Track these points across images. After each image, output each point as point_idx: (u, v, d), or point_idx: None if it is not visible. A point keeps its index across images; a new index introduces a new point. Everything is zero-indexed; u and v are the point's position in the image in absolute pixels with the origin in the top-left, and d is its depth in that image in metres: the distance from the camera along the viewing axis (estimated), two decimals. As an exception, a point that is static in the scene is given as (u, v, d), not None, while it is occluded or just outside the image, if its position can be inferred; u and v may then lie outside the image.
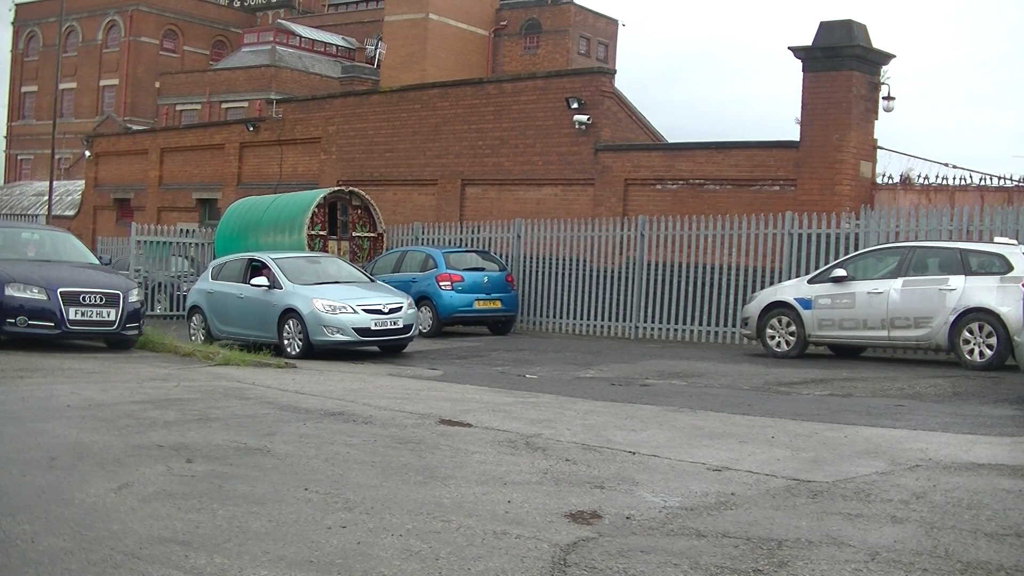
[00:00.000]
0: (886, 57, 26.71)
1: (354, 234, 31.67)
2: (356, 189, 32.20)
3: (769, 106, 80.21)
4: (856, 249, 22.84)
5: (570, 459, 9.85)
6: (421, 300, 26.96)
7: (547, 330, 29.04)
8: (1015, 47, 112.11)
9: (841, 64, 25.92)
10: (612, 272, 28.07)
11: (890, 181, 26.53)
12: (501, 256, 29.78)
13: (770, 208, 26.05)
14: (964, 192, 25.33)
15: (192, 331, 24.47)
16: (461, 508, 7.75)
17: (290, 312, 21.50)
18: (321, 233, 30.68)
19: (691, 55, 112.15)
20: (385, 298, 21.86)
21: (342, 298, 21.34)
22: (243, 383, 15.61)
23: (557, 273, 29.21)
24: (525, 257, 29.90)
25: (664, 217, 27.42)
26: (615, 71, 38.08)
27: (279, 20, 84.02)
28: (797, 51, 26.56)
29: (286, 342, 21.51)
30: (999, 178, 25.74)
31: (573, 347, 24.27)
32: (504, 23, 66.18)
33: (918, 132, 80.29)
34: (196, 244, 34.69)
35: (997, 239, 19.90)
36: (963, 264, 18.83)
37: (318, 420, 12.00)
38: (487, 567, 6.28)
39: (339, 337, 20.98)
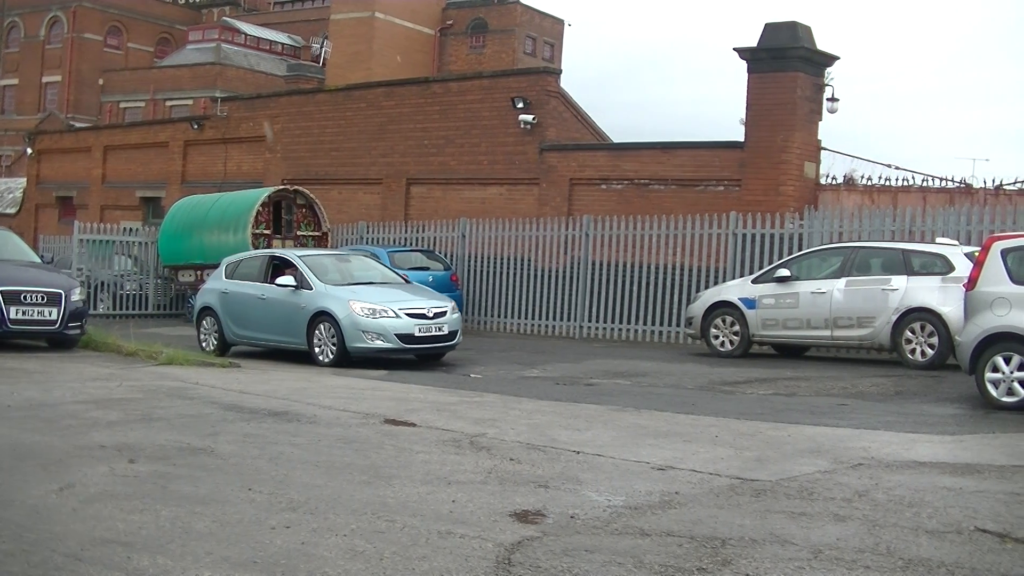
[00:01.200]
0: (830, 59, 26.86)
1: (299, 233, 31.51)
2: (301, 188, 32.06)
3: (719, 106, 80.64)
4: (800, 249, 22.94)
5: (515, 458, 9.84)
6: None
7: (492, 330, 29.02)
8: (959, 51, 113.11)
9: (786, 65, 26.04)
10: (557, 272, 28.09)
11: (834, 182, 26.69)
12: (446, 256, 29.75)
13: (715, 208, 26.12)
14: (907, 193, 25.52)
15: (203, 335, 22.33)
16: (406, 508, 7.73)
17: (322, 315, 19.62)
18: (266, 232, 30.51)
19: (641, 55, 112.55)
20: (428, 301, 20.21)
21: (382, 300, 19.63)
22: (187, 383, 15.51)
23: (502, 273, 29.19)
24: (470, 257, 29.87)
25: (609, 217, 27.45)
26: (561, 71, 38.11)
27: (225, 18, 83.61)
28: (742, 52, 26.66)
29: (317, 349, 19.70)
30: (941, 179, 25.96)
31: (518, 346, 24.26)
32: (450, 22, 66.12)
33: (862, 134, 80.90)
34: (140, 243, 34.39)
35: (939, 240, 20.06)
36: (905, 264, 18.96)
37: (262, 420, 11.95)
38: (431, 567, 6.26)
39: (379, 344, 19.22)
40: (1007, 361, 13.80)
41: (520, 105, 31.46)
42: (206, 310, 22.38)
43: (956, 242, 19.88)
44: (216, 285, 22.50)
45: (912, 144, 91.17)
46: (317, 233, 31.68)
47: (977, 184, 25.25)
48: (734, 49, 26.74)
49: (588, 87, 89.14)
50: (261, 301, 20.99)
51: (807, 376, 17.66)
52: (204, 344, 22.07)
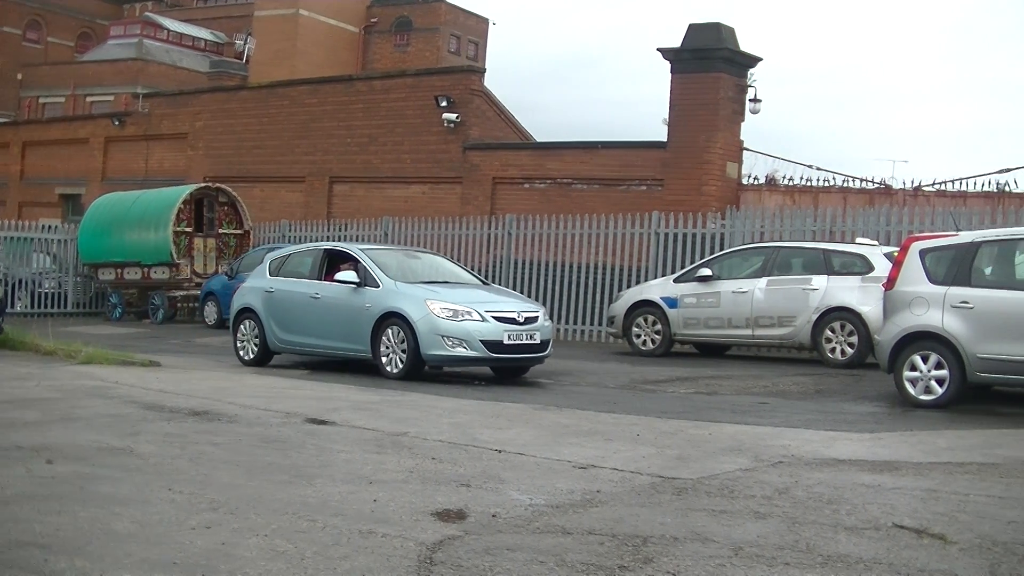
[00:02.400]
0: (753, 60, 27.05)
1: (221, 231, 31.40)
2: (223, 186, 31.94)
3: (646, 107, 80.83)
4: (722, 249, 23.07)
5: (436, 457, 9.82)
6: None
7: (416, 328, 28.89)
8: (884, 54, 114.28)
9: (709, 66, 26.20)
10: (480, 270, 28.05)
11: (756, 182, 26.89)
12: (369, 254, 29.62)
13: (637, 208, 26.23)
14: (828, 193, 25.74)
15: (240, 341, 19.68)
16: (327, 507, 7.68)
17: (392, 318, 17.17)
18: (187, 230, 30.38)
19: (568, 55, 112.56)
20: (517, 304, 17.79)
21: (465, 301, 17.12)
22: (106, 382, 15.34)
23: (426, 271, 29.10)
24: (393, 255, 29.75)
25: (532, 216, 27.49)
26: (485, 70, 38.12)
27: (147, 13, 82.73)
28: (666, 52, 26.78)
29: (384, 357, 17.28)
30: (861, 180, 26.20)
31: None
32: (375, 20, 65.81)
33: (785, 135, 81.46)
34: (59, 240, 33.99)
35: (859, 240, 20.26)
36: (826, 264, 19.12)
37: (183, 419, 11.84)
38: (353, 566, 6.23)
39: (462, 352, 16.71)
40: (925, 360, 13.96)
41: (444, 104, 31.48)
42: (245, 312, 19.68)
43: (876, 242, 20.10)
44: (258, 283, 19.90)
45: (834, 145, 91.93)
46: (239, 231, 31.57)
47: (896, 185, 25.51)
48: (658, 49, 26.88)
49: (515, 86, 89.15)
50: (314, 301, 18.52)
51: (728, 375, 17.76)
52: (242, 352, 19.62)
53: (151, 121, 40.05)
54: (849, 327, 18.49)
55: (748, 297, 19.59)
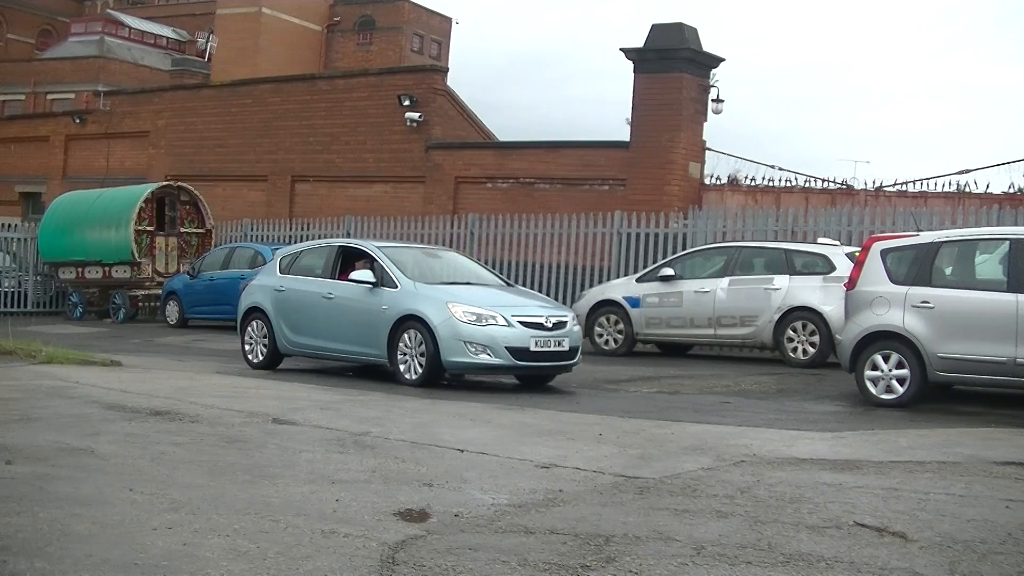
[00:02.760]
0: (716, 60, 27.12)
1: (182, 230, 31.30)
2: (185, 184, 31.82)
3: (611, 107, 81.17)
4: (684, 248, 23.12)
5: (399, 457, 9.80)
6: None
7: (378, 328, 28.87)
8: (845, 56, 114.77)
9: (672, 66, 26.27)
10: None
11: (718, 182, 26.96)
12: (332, 253, 29.53)
13: (600, 207, 26.27)
14: (790, 194, 25.83)
15: (248, 343, 18.67)
16: (289, 507, 7.65)
17: (410, 321, 16.05)
18: (149, 229, 30.25)
19: (532, 55, 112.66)
20: (545, 308, 16.53)
21: (489, 304, 16.02)
22: (67, 382, 15.23)
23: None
24: (356, 254, 29.69)
25: (495, 215, 27.51)
26: (448, 69, 38.15)
27: (108, 10, 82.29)
28: (629, 52, 26.83)
29: (402, 363, 16.18)
30: (823, 180, 26.30)
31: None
32: (338, 19, 65.68)
33: (748, 135, 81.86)
34: (19, 239, 33.80)
35: (821, 240, 20.35)
36: (788, 264, 19.18)
37: (144, 419, 11.77)
38: (315, 566, 6.20)
39: (485, 359, 15.56)
40: (886, 359, 14.04)
41: (407, 103, 31.47)
42: (254, 312, 18.62)
43: (837, 242, 20.18)
44: (267, 281, 18.82)
45: (796, 146, 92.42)
46: (201, 230, 31.47)
47: (858, 186, 25.62)
48: (621, 49, 26.92)
49: (478, 85, 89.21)
50: (327, 301, 17.43)
51: (691, 374, 17.79)
52: (250, 354, 18.61)
53: (112, 119, 39.87)
54: (811, 327, 18.56)
55: (710, 297, 19.64)
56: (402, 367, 16.15)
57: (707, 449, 10.59)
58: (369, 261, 17.40)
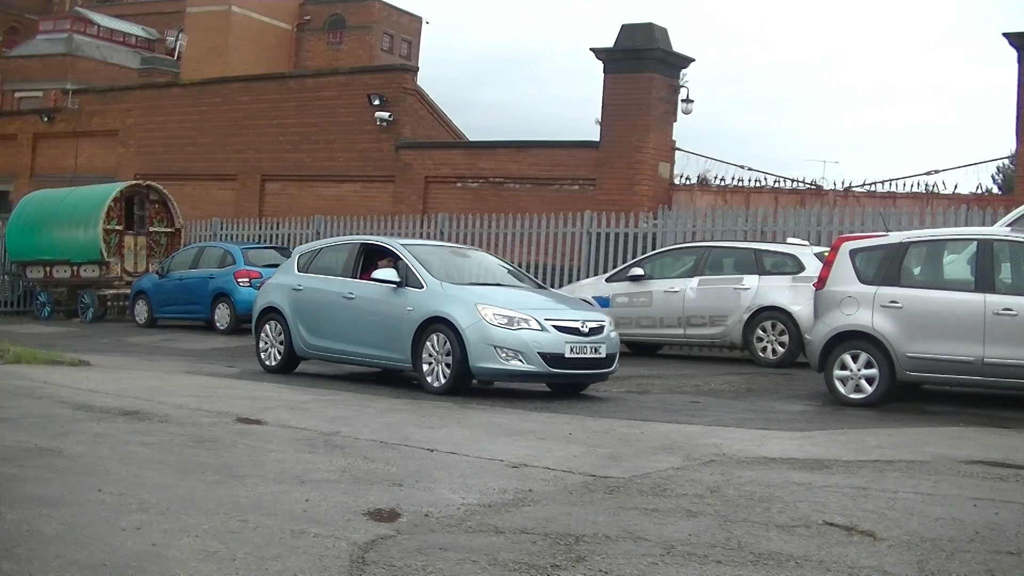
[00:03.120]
0: (686, 60, 27.18)
1: (151, 229, 31.17)
2: (154, 183, 31.70)
3: (584, 106, 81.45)
4: (654, 248, 23.14)
5: (368, 457, 9.78)
6: (219, 297, 26.66)
7: (348, 327, 28.83)
8: (815, 57, 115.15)
9: (642, 66, 26.31)
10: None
11: (688, 182, 27.04)
12: (301, 253, 29.46)
13: (570, 207, 26.29)
14: (759, 194, 25.92)
15: (263, 345, 17.85)
16: (259, 507, 7.63)
17: (436, 323, 15.11)
18: (118, 228, 30.14)
19: (506, 54, 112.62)
20: (580, 312, 15.67)
21: (521, 306, 15.06)
22: (35, 382, 15.13)
23: (358, 270, 29.03)
24: (326, 254, 29.63)
25: (464, 215, 27.49)
26: (418, 68, 38.10)
27: (77, 8, 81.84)
28: (599, 52, 26.88)
29: (427, 366, 15.20)
30: (792, 181, 26.38)
31: (374, 344, 24.14)
32: (308, 18, 65.52)
33: (719, 135, 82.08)
34: (-14, 238, 33.66)
35: (790, 240, 20.42)
36: (757, 264, 19.22)
37: (113, 419, 11.70)
38: (285, 567, 6.18)
39: (517, 365, 14.56)
40: (855, 359, 14.10)
41: (376, 102, 31.45)
42: (269, 312, 17.75)
43: (806, 242, 20.25)
44: (284, 280, 18.00)
45: (766, 146, 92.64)
46: (170, 229, 31.37)
47: (827, 186, 25.72)
48: (591, 49, 26.97)
49: (449, 85, 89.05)
50: (348, 302, 16.55)
51: (660, 374, 17.82)
52: (264, 356, 17.81)
53: (81, 117, 39.71)
54: (780, 326, 18.60)
55: (680, 296, 19.66)
56: (427, 373, 15.19)
57: (677, 448, 10.61)
58: (393, 259, 16.38)
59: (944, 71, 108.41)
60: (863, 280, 14.29)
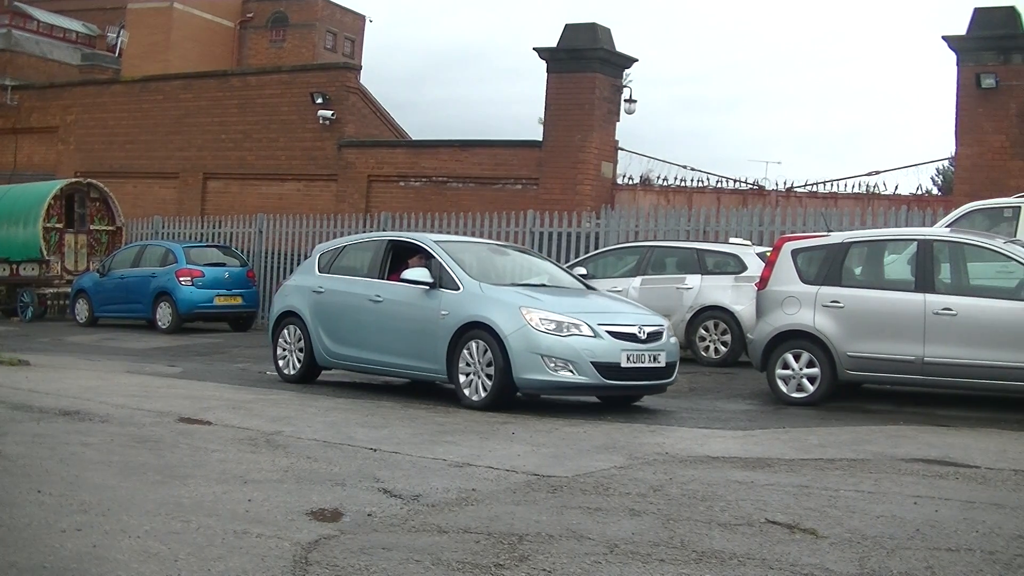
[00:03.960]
0: (629, 60, 27.26)
1: (92, 227, 30.91)
2: (95, 181, 31.42)
3: (530, 106, 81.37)
4: (596, 248, 23.20)
5: (311, 456, 9.75)
6: (161, 296, 26.48)
7: (290, 326, 28.72)
8: (759, 58, 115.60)
9: (585, 66, 26.38)
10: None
11: (630, 182, 27.14)
12: (242, 251, 29.37)
13: (513, 206, 26.30)
14: (702, 194, 26.04)
15: (281, 352, 16.44)
16: (201, 508, 7.58)
17: (475, 329, 13.63)
18: (58, 226, 29.87)
19: (449, 54, 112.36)
20: (636, 315, 14.10)
21: (572, 310, 13.56)
22: (-29, 380, 15.01)
23: (300, 269, 28.93)
24: (267, 253, 29.55)
25: (407, 214, 27.43)
26: (360, 67, 38.05)
27: (16, 3, 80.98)
28: (542, 52, 26.92)
29: (464, 378, 13.71)
30: (735, 181, 26.52)
31: (316, 343, 24.07)
32: (251, 15, 65.22)
33: (660, 135, 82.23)
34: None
35: (732, 240, 20.52)
36: (699, 264, 19.30)
37: (52, 419, 11.60)
38: (227, 567, 6.15)
39: (567, 377, 13.07)
40: (797, 358, 14.18)
41: (319, 100, 31.33)
42: (288, 317, 16.39)
43: (749, 242, 20.35)
44: (304, 281, 16.54)
45: (708, 147, 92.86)
46: (111, 228, 31.14)
47: (769, 186, 25.87)
48: (534, 49, 27.03)
49: (393, 84, 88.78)
50: (375, 306, 15.07)
51: (603, 373, 17.82)
52: (282, 365, 16.42)
53: (20, 114, 39.34)
54: (722, 326, 18.69)
55: (622, 296, 19.70)
56: (464, 385, 13.72)
57: (619, 448, 10.63)
58: (424, 258, 15.17)
59: (885, 73, 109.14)
60: (805, 280, 14.38)
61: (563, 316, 13.25)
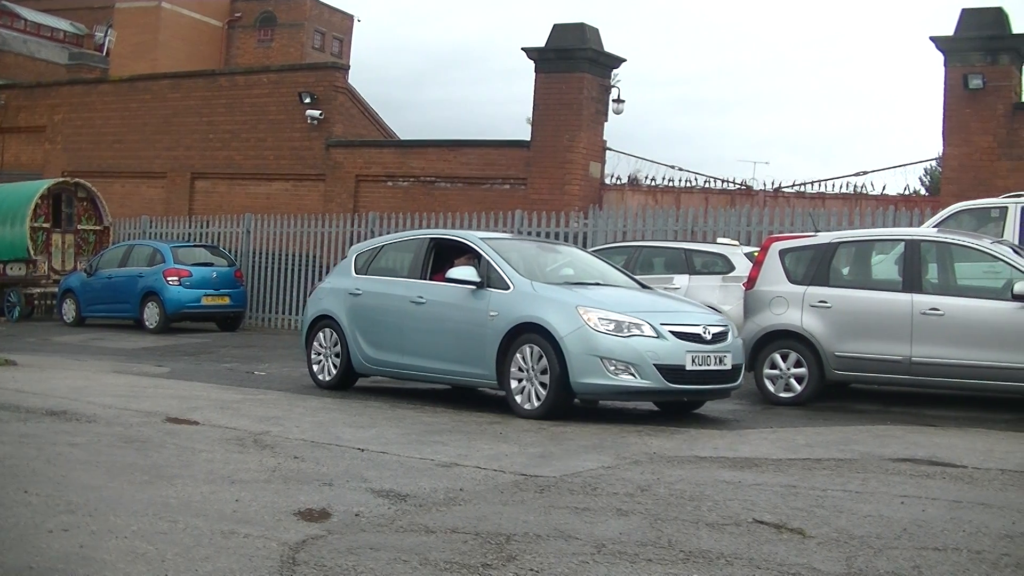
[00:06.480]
0: (617, 61, 27.28)
1: (80, 227, 30.85)
2: (82, 181, 31.35)
3: (518, 106, 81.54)
4: (584, 248, 23.16)
5: (299, 456, 9.74)
6: (148, 295, 26.43)
7: (277, 326, 28.74)
8: (749, 59, 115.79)
9: (573, 66, 26.39)
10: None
11: (618, 182, 27.14)
12: (230, 251, 29.33)
13: (501, 206, 26.30)
14: (690, 194, 26.05)
15: (315, 357, 15.68)
16: (188, 508, 7.57)
17: (528, 331, 12.83)
18: (45, 226, 29.81)
19: (440, 55, 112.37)
20: (699, 314, 13.30)
21: (632, 309, 12.79)
22: (-42, 380, 14.97)
23: (287, 269, 28.92)
24: (255, 252, 29.52)
25: (395, 214, 27.41)
26: (349, 66, 38.01)
27: (3, 2, 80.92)
28: (530, 52, 26.93)
29: (516, 383, 12.90)
30: (723, 181, 26.54)
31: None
32: (239, 15, 65.15)
33: (648, 136, 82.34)
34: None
35: (720, 240, 20.50)
36: (687, 264, 19.28)
37: (40, 419, 11.57)
38: (215, 567, 6.14)
39: (628, 381, 12.26)
40: (784, 358, 14.22)
41: (307, 100, 31.27)
42: (323, 321, 15.57)
43: (736, 242, 20.33)
44: (340, 283, 15.72)
45: (698, 147, 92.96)
46: (99, 227, 31.08)
47: (757, 186, 25.89)
48: (523, 49, 27.02)
49: (384, 85, 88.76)
50: (417, 308, 14.25)
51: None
52: (317, 370, 15.65)
53: (7, 113, 39.20)
54: (710, 326, 18.67)
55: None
56: (516, 391, 12.91)
57: (607, 448, 10.63)
58: (471, 257, 14.16)
59: (876, 75, 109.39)
60: (793, 280, 14.42)
61: (624, 315, 12.48)
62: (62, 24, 76.70)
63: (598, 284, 13.79)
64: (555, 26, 26.81)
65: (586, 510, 7.74)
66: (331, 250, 28.25)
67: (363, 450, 10.19)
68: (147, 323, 26.50)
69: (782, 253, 14.73)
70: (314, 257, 28.51)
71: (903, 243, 14.22)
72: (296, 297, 28.63)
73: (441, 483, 8.65)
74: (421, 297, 14.17)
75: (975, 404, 14.25)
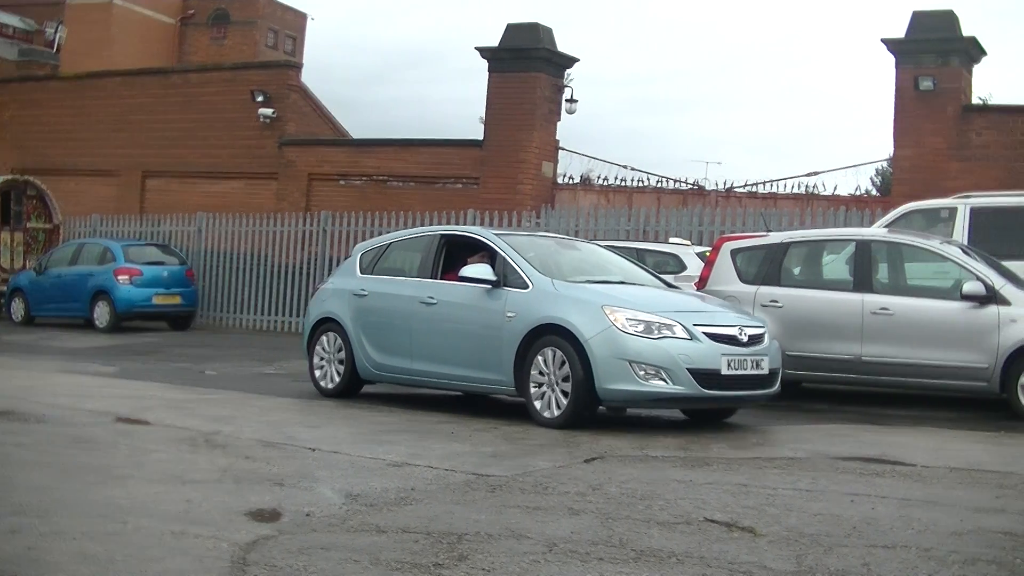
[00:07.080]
0: (570, 60, 27.32)
1: (29, 225, 30.66)
2: (31, 178, 31.14)
3: (473, 106, 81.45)
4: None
5: (250, 456, 9.71)
6: (98, 294, 26.29)
7: (228, 326, 28.64)
8: (700, 60, 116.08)
9: (527, 66, 26.41)
10: (294, 267, 27.89)
11: (571, 181, 27.18)
12: (182, 250, 29.21)
13: (454, 206, 26.28)
14: (642, 194, 26.11)
15: (318, 363, 14.61)
16: (139, 509, 7.52)
17: (548, 333, 11.94)
18: (-8, 223, 29.62)
19: (395, 55, 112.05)
20: (733, 315, 12.51)
21: (662, 308, 11.93)
22: (-97, 380, 14.84)
23: (239, 268, 28.85)
24: (207, 251, 29.44)
25: (348, 213, 27.39)
26: (302, 65, 37.85)
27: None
28: (483, 51, 26.92)
29: (536, 389, 12.02)
30: (675, 181, 26.61)
31: (255, 343, 24.00)
32: (192, 12, 64.78)
33: (601, 135, 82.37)
34: None
35: (672, 240, 20.57)
36: (639, 263, 19.31)
37: (-14, 419, 11.51)
38: (165, 568, 6.10)
39: (659, 386, 11.39)
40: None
41: (260, 99, 31.12)
42: (326, 324, 14.56)
43: (688, 242, 20.40)
44: (344, 284, 14.72)
45: (650, 147, 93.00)
46: (49, 226, 30.88)
47: (709, 186, 25.99)
48: (476, 48, 27.02)
49: (339, 84, 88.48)
50: (427, 309, 13.32)
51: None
52: (319, 376, 14.60)
53: (-45, 111, 38.90)
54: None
55: None
56: (535, 398, 12.04)
57: (559, 447, 10.64)
58: (485, 254, 13.24)
59: (829, 76, 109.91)
60: (744, 280, 14.48)
61: (654, 316, 11.61)
62: (12, 20, 75.88)
63: (622, 283, 12.91)
64: (509, 26, 26.82)
65: (538, 509, 7.74)
66: (283, 249, 28.21)
67: (315, 449, 10.17)
68: (97, 322, 26.35)
69: (734, 253, 14.79)
70: (266, 256, 28.44)
71: (854, 243, 14.32)
72: (248, 296, 28.57)
73: (393, 483, 8.63)
74: (432, 298, 13.30)
75: (925, 403, 14.35)
